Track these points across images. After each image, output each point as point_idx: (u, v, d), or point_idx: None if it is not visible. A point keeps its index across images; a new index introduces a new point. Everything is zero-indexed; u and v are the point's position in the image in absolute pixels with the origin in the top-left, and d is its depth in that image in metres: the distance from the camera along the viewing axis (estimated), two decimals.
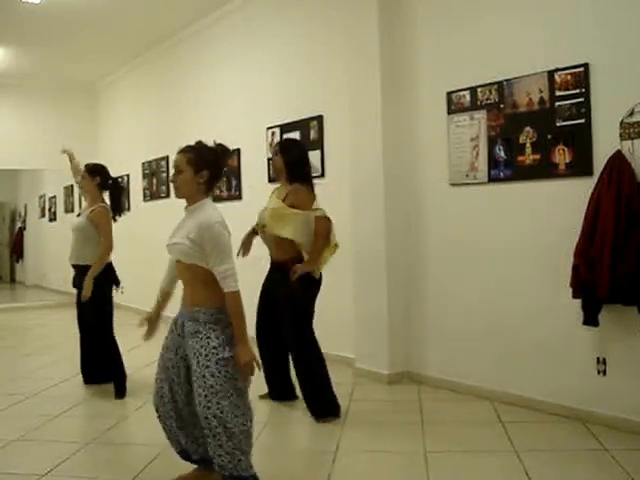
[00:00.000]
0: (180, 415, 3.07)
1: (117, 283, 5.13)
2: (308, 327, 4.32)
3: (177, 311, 3.09)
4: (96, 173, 5.17)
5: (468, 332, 4.72)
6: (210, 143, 3.09)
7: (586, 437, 3.74)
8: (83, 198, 5.86)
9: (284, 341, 4.44)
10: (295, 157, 4.42)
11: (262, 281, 4.61)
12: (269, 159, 6.60)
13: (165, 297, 3.30)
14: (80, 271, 4.99)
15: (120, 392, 4.94)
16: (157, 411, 3.11)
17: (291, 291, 4.22)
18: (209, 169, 3.00)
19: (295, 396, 4.60)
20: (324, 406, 4.24)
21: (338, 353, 5.70)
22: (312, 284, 4.31)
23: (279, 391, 4.62)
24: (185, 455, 3.18)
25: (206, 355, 2.86)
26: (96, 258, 4.90)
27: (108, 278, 5.02)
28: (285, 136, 6.25)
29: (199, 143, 3.08)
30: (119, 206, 5.26)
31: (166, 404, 3.06)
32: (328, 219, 4.29)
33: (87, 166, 5.25)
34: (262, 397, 4.62)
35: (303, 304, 4.29)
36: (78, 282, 5.00)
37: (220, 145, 3.11)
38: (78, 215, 5.27)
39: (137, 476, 3.37)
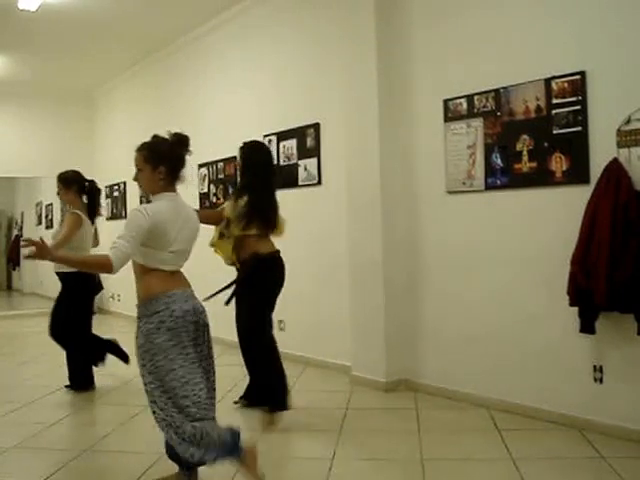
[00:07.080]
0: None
1: (97, 290, 5.40)
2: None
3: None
4: (71, 182, 5.20)
5: (465, 340, 4.71)
6: (165, 135, 3.07)
7: (583, 445, 3.74)
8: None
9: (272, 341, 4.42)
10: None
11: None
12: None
13: None
14: (62, 278, 5.19)
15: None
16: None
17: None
18: (166, 163, 3.00)
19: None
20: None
21: (335, 361, 5.71)
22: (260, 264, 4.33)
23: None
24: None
25: None
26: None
27: (86, 287, 5.19)
28: (282, 143, 6.25)
29: (154, 137, 3.09)
30: (95, 208, 5.32)
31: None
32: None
33: (60, 178, 5.21)
34: (237, 402, 4.64)
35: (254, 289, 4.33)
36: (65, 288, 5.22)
37: (175, 134, 3.08)
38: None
39: None
